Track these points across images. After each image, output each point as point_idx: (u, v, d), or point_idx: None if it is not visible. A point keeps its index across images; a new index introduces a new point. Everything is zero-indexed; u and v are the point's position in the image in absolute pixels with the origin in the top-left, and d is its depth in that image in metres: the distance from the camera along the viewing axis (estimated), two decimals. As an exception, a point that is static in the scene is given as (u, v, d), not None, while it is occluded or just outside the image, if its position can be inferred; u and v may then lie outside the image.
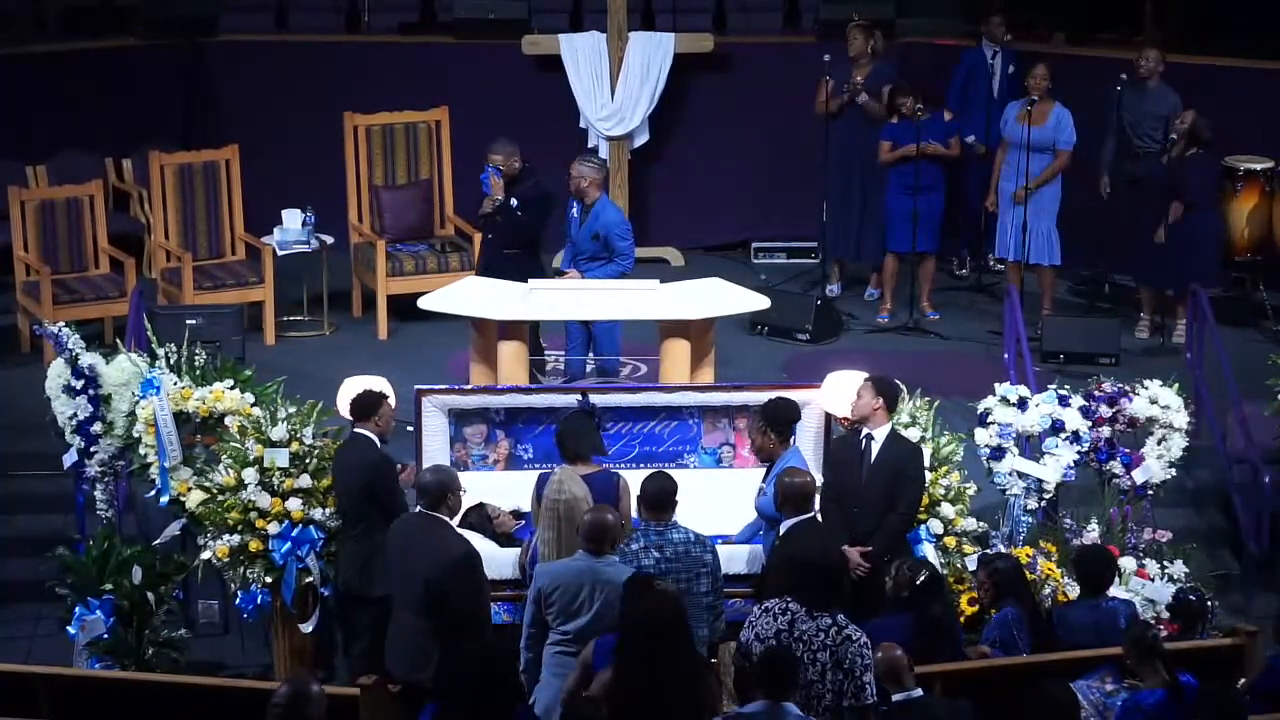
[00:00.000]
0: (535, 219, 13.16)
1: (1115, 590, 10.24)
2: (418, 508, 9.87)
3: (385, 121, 15.42)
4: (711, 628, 9.54)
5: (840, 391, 10.88)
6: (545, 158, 13.92)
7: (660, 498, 9.63)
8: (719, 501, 10.85)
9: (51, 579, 11.15)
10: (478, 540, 10.14)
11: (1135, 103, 14.96)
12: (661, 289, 11.92)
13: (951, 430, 11.32)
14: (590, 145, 15.87)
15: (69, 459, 11.52)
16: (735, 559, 10.47)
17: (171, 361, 11.45)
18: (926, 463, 10.75)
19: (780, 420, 10.43)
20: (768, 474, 10.36)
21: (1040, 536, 11.08)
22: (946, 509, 10.90)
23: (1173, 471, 11.60)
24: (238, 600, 10.97)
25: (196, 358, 11.51)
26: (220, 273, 14.75)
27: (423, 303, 12.19)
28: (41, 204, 14.50)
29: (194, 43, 16.50)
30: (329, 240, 14.88)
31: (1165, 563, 10.94)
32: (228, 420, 11.18)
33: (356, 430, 10.54)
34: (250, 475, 10.88)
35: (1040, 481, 11.35)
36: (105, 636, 10.85)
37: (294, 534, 10.83)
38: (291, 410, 11.12)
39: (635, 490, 9.81)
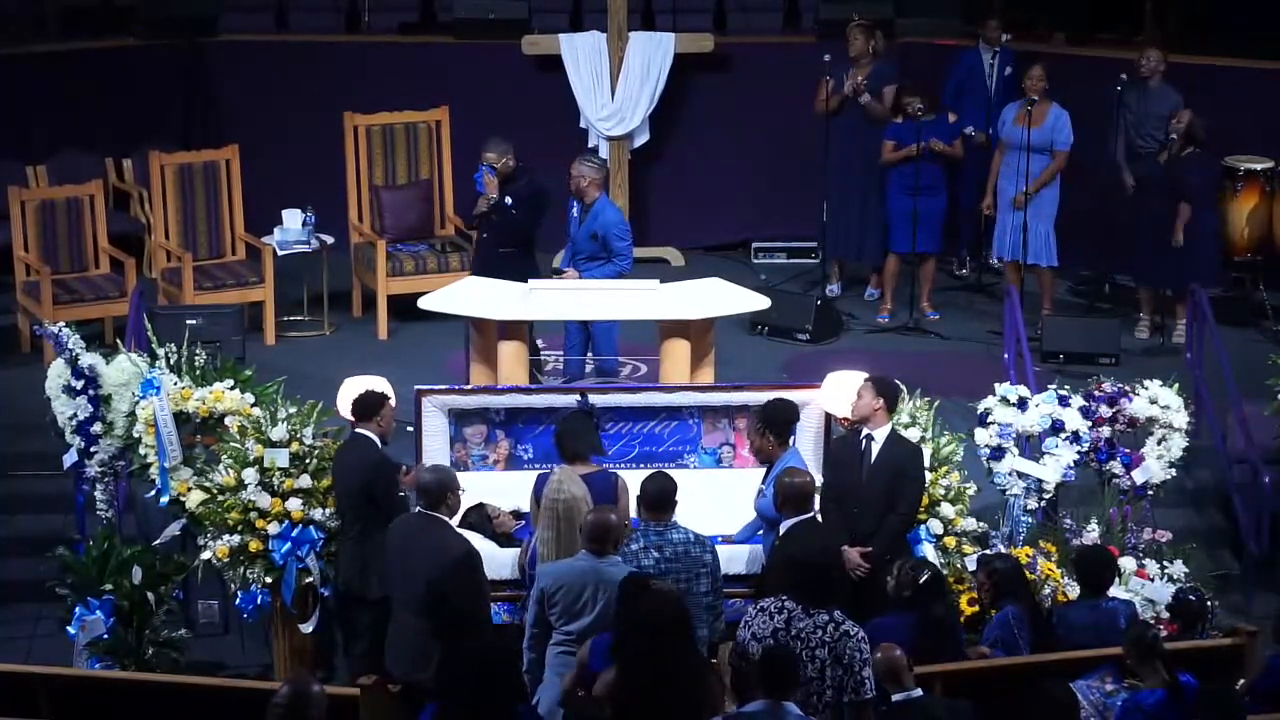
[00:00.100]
0: (530, 217, 13.16)
1: (1115, 590, 10.25)
2: (417, 508, 9.87)
3: (385, 121, 15.43)
4: (711, 628, 9.55)
5: (840, 392, 10.88)
6: (545, 158, 13.94)
7: (660, 498, 9.63)
8: (719, 501, 10.85)
9: (51, 579, 11.15)
10: (478, 540, 10.14)
11: (1138, 102, 14.97)
12: (661, 289, 11.91)
13: (951, 430, 11.32)
14: (590, 145, 15.87)
15: (69, 459, 11.52)
16: (735, 559, 10.47)
17: (171, 362, 11.45)
18: (926, 463, 10.75)
19: (778, 422, 10.42)
20: (767, 475, 10.36)
21: (1040, 536, 11.08)
22: (946, 509, 10.91)
23: (1173, 471, 11.60)
24: (238, 600, 10.97)
25: (196, 358, 11.51)
26: (220, 273, 14.75)
27: (423, 303, 12.19)
28: (41, 204, 14.51)
29: (194, 43, 16.50)
30: (329, 240, 14.88)
31: (1165, 563, 10.94)
32: (228, 420, 11.18)
33: (357, 430, 10.54)
34: (250, 475, 10.88)
35: (1040, 481, 11.35)
36: (105, 636, 10.85)
37: (294, 534, 10.83)
38: (291, 410, 11.12)
39: (635, 490, 9.82)
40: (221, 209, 14.94)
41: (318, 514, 10.86)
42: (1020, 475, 11.34)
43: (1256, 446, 12.48)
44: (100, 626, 10.85)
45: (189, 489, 11.08)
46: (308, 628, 10.96)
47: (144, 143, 15.59)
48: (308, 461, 10.96)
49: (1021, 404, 11.42)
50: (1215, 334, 13.31)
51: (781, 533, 9.93)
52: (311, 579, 10.87)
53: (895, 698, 8.54)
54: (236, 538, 10.87)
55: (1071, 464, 11.37)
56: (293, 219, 14.78)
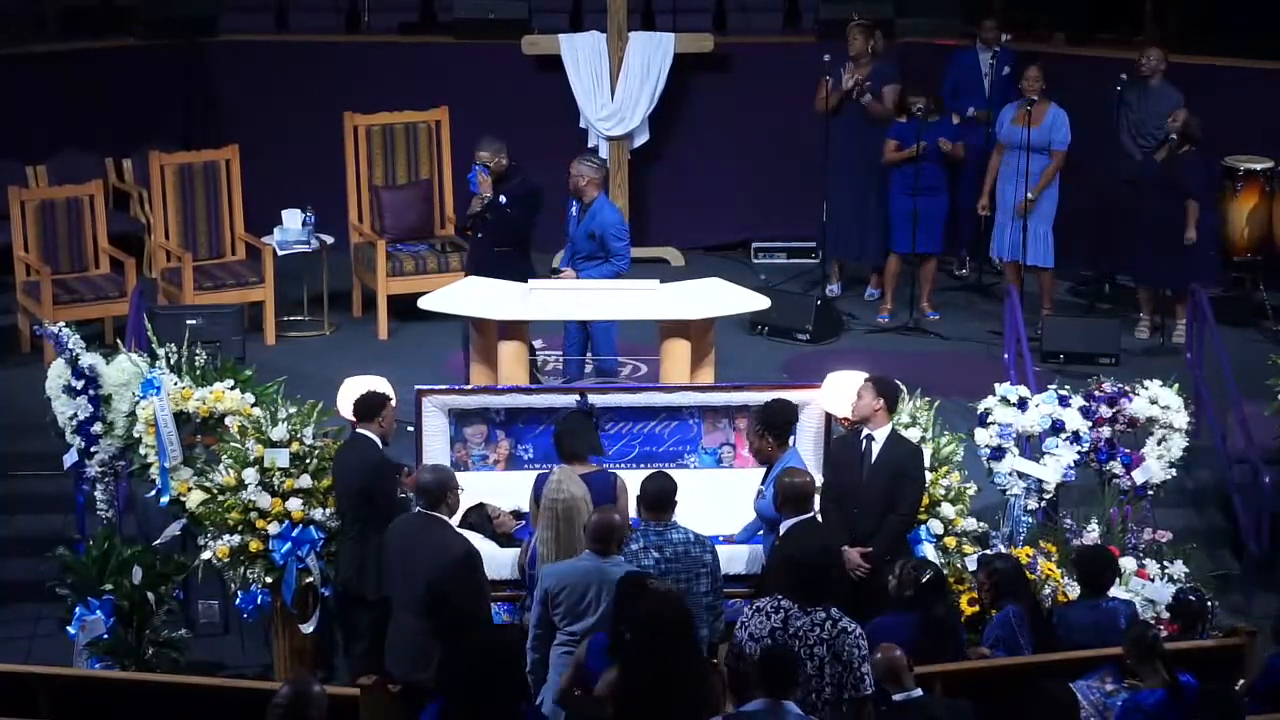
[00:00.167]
0: (525, 215, 13.15)
1: (1115, 590, 10.24)
2: (417, 508, 9.87)
3: (385, 121, 15.43)
4: (711, 628, 9.55)
5: (840, 392, 10.88)
6: (545, 158, 13.94)
7: (660, 498, 9.63)
8: (719, 501, 10.85)
9: (51, 579, 11.15)
10: (478, 540, 10.14)
11: (1139, 102, 14.97)
12: (661, 289, 11.91)
13: (951, 430, 11.31)
14: (590, 145, 15.87)
15: (69, 459, 11.52)
16: (735, 559, 10.47)
17: (172, 362, 11.45)
18: (926, 463, 10.75)
19: (777, 423, 10.42)
20: (766, 476, 10.36)
21: (1040, 537, 11.08)
22: (946, 509, 10.90)
23: (1173, 471, 11.60)
24: (238, 600, 10.96)
25: (197, 358, 11.51)
26: (220, 273, 14.75)
27: (423, 303, 12.18)
28: (41, 204, 14.51)
29: (194, 43, 16.51)
30: (329, 240, 14.88)
31: (1165, 563, 10.94)
32: (228, 420, 11.18)
33: (358, 431, 10.54)
34: (250, 475, 10.88)
35: (1040, 481, 11.35)
36: (105, 636, 10.84)
37: (294, 534, 10.83)
38: (292, 410, 11.12)
39: (634, 490, 9.82)
40: (221, 209, 14.94)
41: (318, 514, 10.85)
42: (1020, 475, 11.34)
43: (1256, 446, 12.47)
44: (100, 626, 10.85)
45: (189, 489, 11.08)
46: (308, 628, 10.96)
47: (144, 143, 15.59)
48: (308, 461, 10.96)
49: (1022, 404, 11.42)
50: (1215, 334, 13.31)
51: (781, 533, 9.93)
52: (312, 579, 10.86)
53: (895, 698, 8.54)
54: (237, 538, 10.87)
55: (1071, 464, 11.37)
56: (293, 219, 14.78)
